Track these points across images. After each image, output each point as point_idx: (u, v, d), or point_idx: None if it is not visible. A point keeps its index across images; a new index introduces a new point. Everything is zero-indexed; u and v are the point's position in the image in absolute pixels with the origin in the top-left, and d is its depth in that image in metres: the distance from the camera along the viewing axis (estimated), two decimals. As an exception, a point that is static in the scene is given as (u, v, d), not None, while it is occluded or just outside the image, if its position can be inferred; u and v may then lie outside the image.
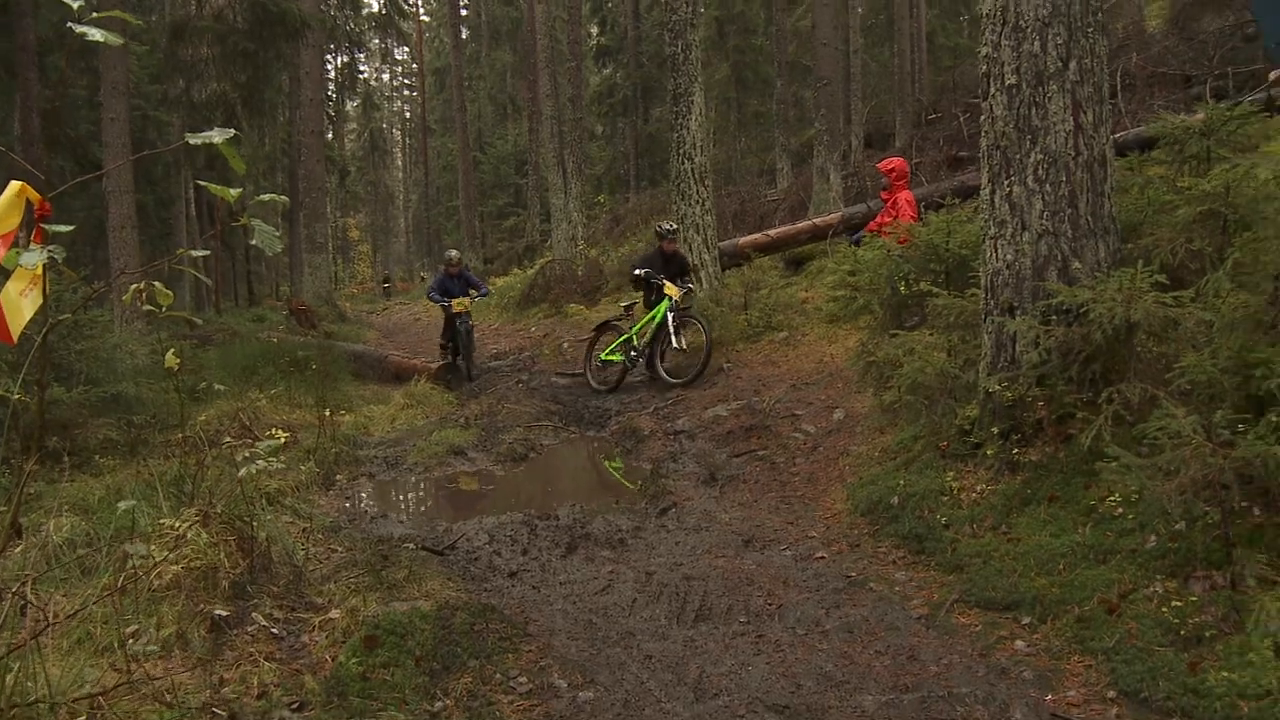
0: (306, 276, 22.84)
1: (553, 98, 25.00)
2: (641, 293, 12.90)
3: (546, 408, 11.84)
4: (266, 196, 2.95)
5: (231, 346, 14.62)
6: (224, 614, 4.73)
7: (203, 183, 2.89)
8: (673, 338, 11.80)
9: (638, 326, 12.49)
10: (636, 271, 12.60)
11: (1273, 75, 8.88)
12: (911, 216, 11.04)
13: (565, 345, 17.12)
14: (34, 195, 3.09)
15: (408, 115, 69.58)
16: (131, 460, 8.54)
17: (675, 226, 13.16)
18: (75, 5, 3.12)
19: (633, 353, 12.31)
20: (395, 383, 14.15)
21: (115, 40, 3.04)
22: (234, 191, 2.85)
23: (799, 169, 25.81)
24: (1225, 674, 3.53)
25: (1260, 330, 4.54)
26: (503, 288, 24.78)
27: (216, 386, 9.42)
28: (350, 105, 55.33)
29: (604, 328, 13.29)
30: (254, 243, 2.91)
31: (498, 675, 4.10)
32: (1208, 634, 3.75)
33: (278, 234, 2.92)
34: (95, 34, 2.99)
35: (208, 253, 4.11)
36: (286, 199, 2.97)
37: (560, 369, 15.11)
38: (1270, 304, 4.60)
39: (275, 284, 44.55)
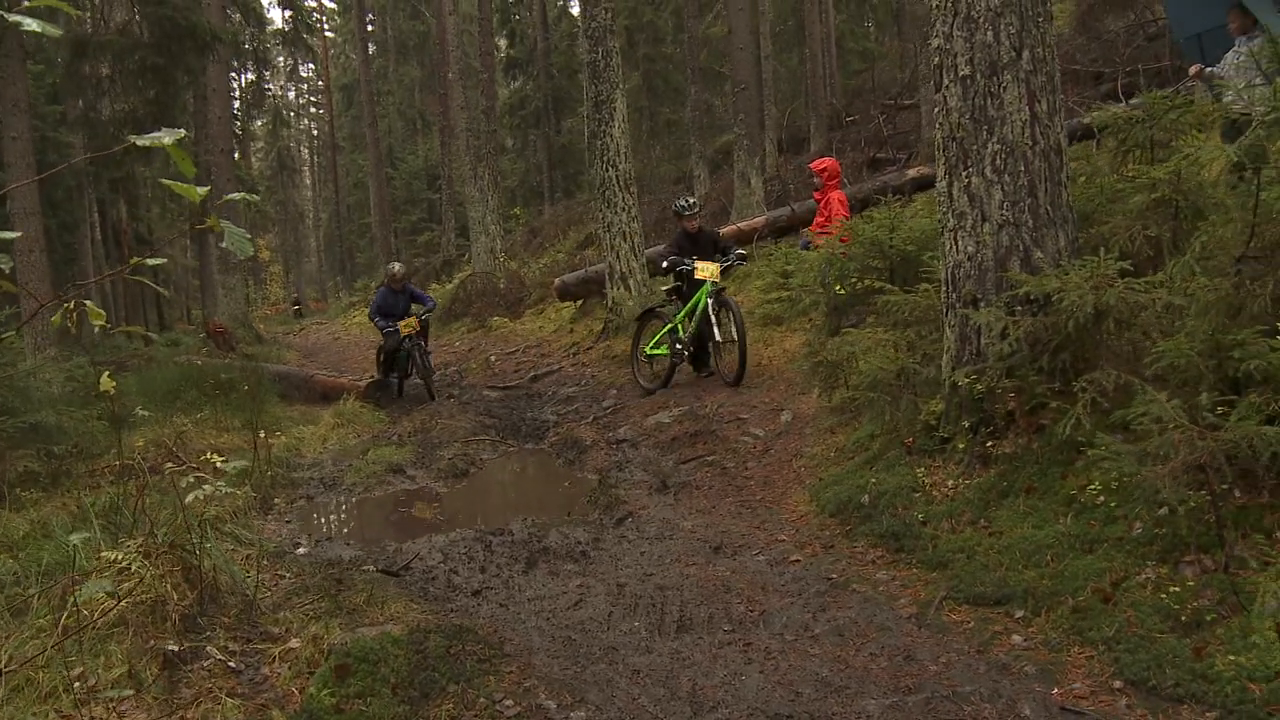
0: (221, 298, 22.28)
1: (465, 110, 24.74)
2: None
3: (481, 422, 11.60)
4: (237, 195, 2.73)
5: (150, 371, 14.10)
6: (176, 649, 4.45)
7: (166, 181, 2.66)
8: (714, 328, 10.27)
9: (682, 314, 10.84)
10: (664, 263, 10.74)
11: (1193, 70, 9.02)
12: (845, 215, 11.01)
13: (493, 359, 16.89)
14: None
15: (315, 133, 68.57)
16: (54, 492, 8.15)
17: (694, 200, 11.31)
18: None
19: (678, 345, 10.73)
20: (323, 402, 13.77)
21: (54, 31, 2.80)
22: (202, 190, 2.64)
23: (716, 175, 25.86)
24: (1231, 657, 3.47)
25: (1230, 313, 4.53)
26: (423, 304, 24.46)
27: (140, 412, 9.03)
28: (257, 123, 54.32)
29: (648, 316, 11.63)
30: (225, 245, 2.69)
31: (481, 699, 3.88)
32: (1208, 618, 3.69)
33: (249, 237, 2.71)
34: (30, 24, 2.74)
35: (164, 260, 3.86)
36: (257, 196, 2.75)
37: (490, 382, 14.87)
38: (1236, 287, 4.60)
39: (186, 308, 43.44)
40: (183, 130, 2.56)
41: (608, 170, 14.18)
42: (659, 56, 32.78)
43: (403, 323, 13.30)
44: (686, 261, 10.56)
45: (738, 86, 20.13)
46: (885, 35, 34.79)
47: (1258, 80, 6.87)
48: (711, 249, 11.04)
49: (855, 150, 20.31)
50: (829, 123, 24.34)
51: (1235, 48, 8.55)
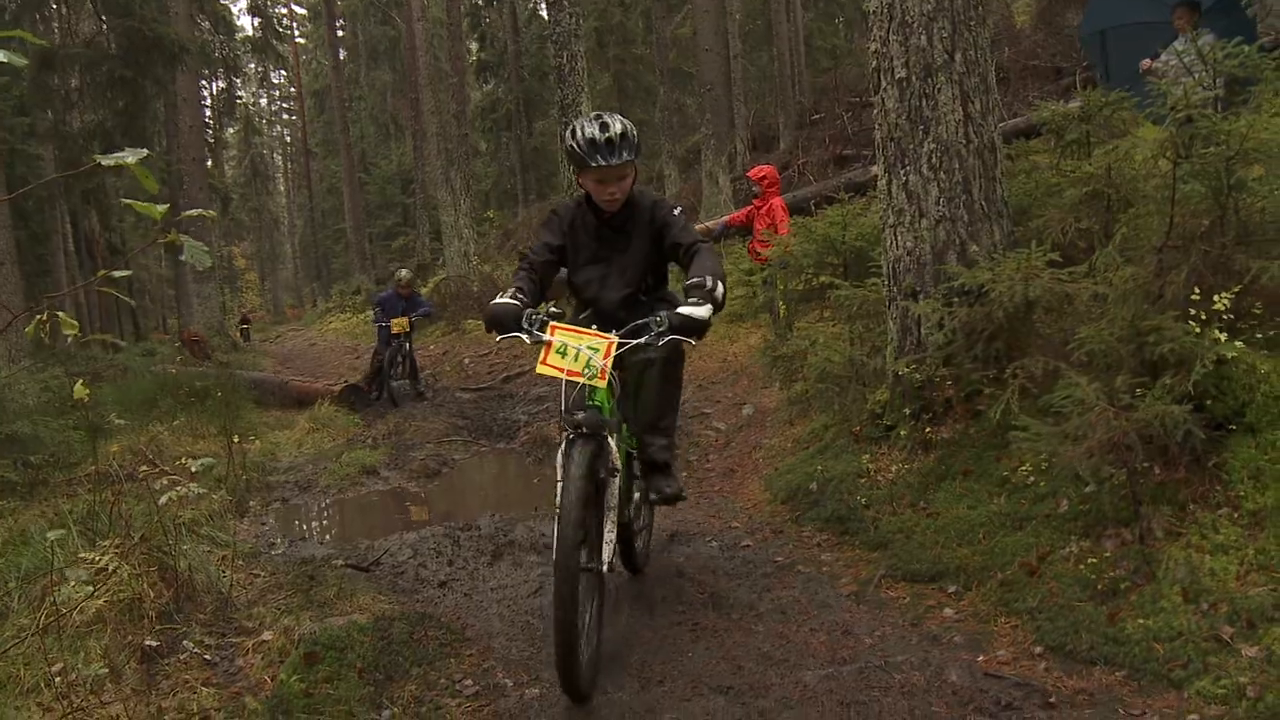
0: (196, 307, 22.39)
1: (437, 115, 24.90)
2: None
3: (454, 423, 11.82)
4: (194, 211, 2.94)
5: (125, 381, 14.26)
6: (154, 644, 4.65)
7: (127, 201, 2.87)
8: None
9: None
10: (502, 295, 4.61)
11: (1143, 64, 9.28)
12: (786, 223, 10.87)
13: (466, 361, 17.09)
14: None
15: (288, 139, 68.54)
16: (32, 501, 8.30)
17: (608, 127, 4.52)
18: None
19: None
20: (298, 408, 13.94)
21: (20, 61, 3.00)
22: (160, 208, 2.84)
23: (686, 174, 26.10)
24: (1141, 621, 3.72)
25: (1149, 300, 4.78)
26: (398, 307, 24.61)
27: (116, 421, 9.20)
28: (229, 131, 54.30)
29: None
30: (184, 258, 2.89)
31: (442, 680, 4.11)
32: (1122, 586, 3.94)
33: (206, 249, 2.91)
34: None
35: (129, 273, 3.97)
36: (214, 213, 2.96)
37: (463, 384, 15.08)
38: (1156, 275, 4.85)
39: (161, 317, 43.42)
40: (145, 150, 2.77)
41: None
42: (629, 58, 33.03)
43: (394, 320, 13.96)
44: (536, 315, 4.13)
45: (704, 87, 20.36)
46: (856, 33, 35.10)
47: (1183, 79, 7.13)
48: (648, 248, 4.63)
49: (821, 148, 20.56)
50: (797, 121, 24.60)
51: (1176, 44, 8.79)
